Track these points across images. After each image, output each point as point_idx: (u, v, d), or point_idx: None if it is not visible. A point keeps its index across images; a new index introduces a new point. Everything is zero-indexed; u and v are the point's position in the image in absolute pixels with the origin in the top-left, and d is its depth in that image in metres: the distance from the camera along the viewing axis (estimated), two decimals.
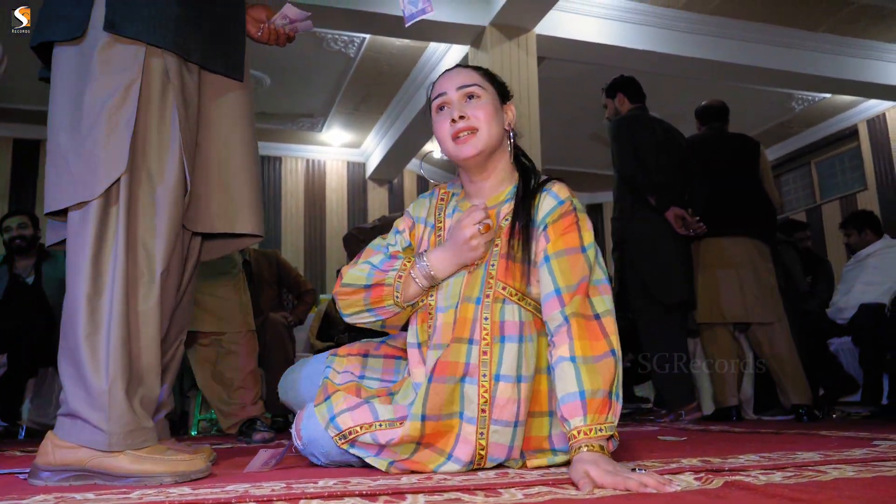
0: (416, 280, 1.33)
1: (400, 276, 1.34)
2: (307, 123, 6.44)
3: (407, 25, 1.55)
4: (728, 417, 3.05)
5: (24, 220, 3.60)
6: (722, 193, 3.18)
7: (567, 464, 1.28)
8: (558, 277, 1.23)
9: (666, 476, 0.99)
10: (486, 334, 1.25)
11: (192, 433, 3.37)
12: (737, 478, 1.02)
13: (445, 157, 1.44)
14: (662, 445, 1.78)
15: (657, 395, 3.63)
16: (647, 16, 4.80)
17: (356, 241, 3.12)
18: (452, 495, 0.93)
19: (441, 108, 1.37)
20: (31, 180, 6.05)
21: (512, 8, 4.17)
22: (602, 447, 1.09)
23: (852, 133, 6.65)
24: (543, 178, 1.37)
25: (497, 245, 1.32)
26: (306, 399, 1.46)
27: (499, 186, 1.39)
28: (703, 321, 3.15)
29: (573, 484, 1.02)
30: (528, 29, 4.42)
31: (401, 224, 1.48)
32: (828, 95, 6.14)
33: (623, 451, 1.50)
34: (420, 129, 5.78)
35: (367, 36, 4.87)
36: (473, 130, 1.32)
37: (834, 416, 3.36)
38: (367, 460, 1.24)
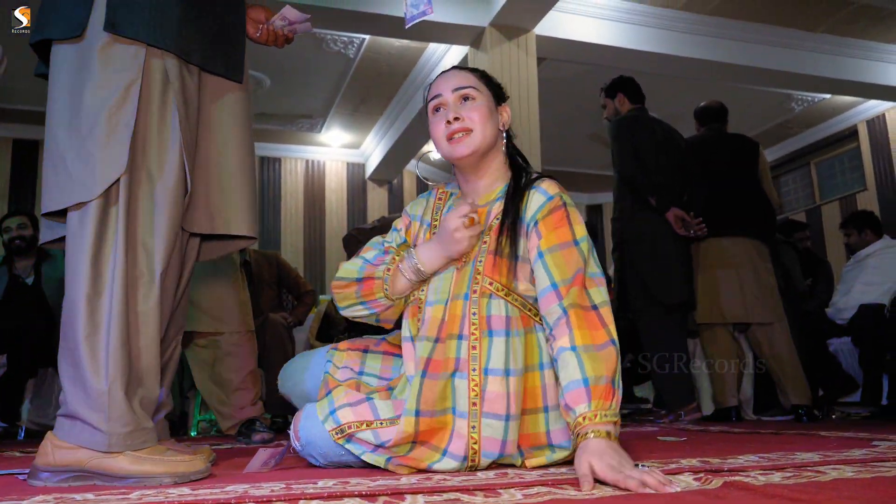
0: (404, 273, 1.37)
1: (388, 270, 1.38)
2: (307, 124, 6.44)
3: (407, 27, 1.57)
4: (728, 418, 3.05)
5: (23, 220, 3.60)
6: (721, 194, 3.18)
7: (566, 463, 1.29)
8: (554, 272, 1.25)
9: (666, 476, 0.99)
10: (475, 329, 1.27)
11: (192, 434, 3.37)
12: (736, 478, 1.02)
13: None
14: (662, 446, 1.78)
15: (657, 395, 3.63)
16: (647, 16, 4.80)
17: (356, 242, 3.12)
18: (452, 495, 0.93)
19: (437, 109, 1.41)
20: (31, 181, 6.05)
21: (511, 8, 4.17)
22: (609, 433, 1.08)
23: (852, 134, 6.65)
24: (534, 175, 1.40)
25: (486, 242, 1.34)
26: (306, 390, 1.48)
27: (492, 185, 1.42)
28: (702, 321, 3.15)
29: (572, 484, 1.02)
30: (528, 29, 4.42)
31: (399, 223, 1.52)
32: (827, 96, 6.14)
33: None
34: (419, 130, 5.78)
35: (367, 37, 4.87)
36: (468, 131, 1.36)
37: (833, 416, 3.36)
38: (364, 457, 1.25)
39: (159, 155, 1.29)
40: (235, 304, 2.47)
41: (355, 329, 3.34)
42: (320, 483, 1.07)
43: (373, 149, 6.83)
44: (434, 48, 5.06)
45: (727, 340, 3.14)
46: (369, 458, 1.25)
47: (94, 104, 1.24)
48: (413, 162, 6.66)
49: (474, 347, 1.26)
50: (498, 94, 1.46)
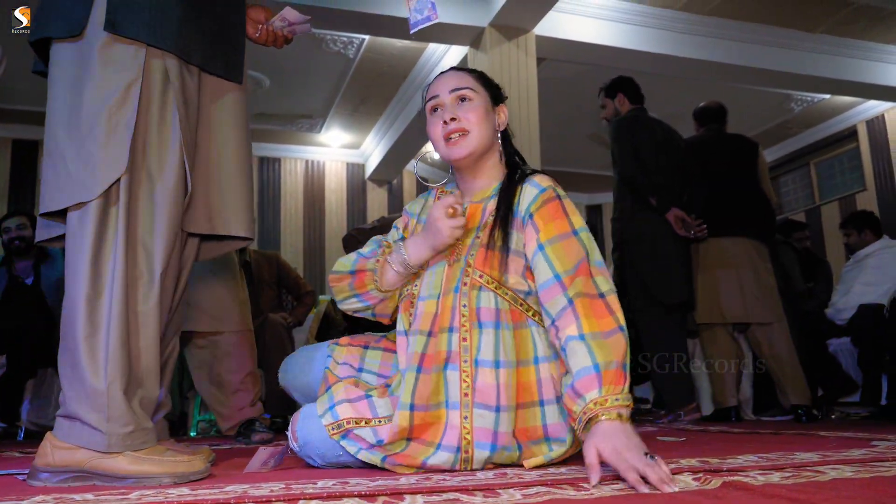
0: (392, 265, 1.39)
1: (378, 262, 1.42)
2: (306, 124, 6.44)
3: (412, 32, 1.58)
4: (727, 418, 3.05)
5: (23, 220, 3.60)
6: (721, 194, 3.18)
7: (565, 462, 1.30)
8: (555, 263, 1.25)
9: (669, 472, 0.99)
10: (465, 321, 1.29)
11: (192, 434, 3.37)
12: (735, 478, 1.03)
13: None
14: (661, 446, 1.78)
15: (656, 395, 3.63)
16: (646, 17, 4.80)
17: (355, 242, 3.12)
18: (451, 496, 0.93)
19: (434, 109, 1.43)
20: (30, 181, 6.05)
21: (511, 9, 4.17)
22: (620, 415, 1.08)
23: (851, 134, 6.65)
24: (528, 171, 1.42)
25: (479, 237, 1.36)
26: (306, 384, 1.50)
27: (488, 184, 1.44)
28: (702, 321, 3.15)
29: (571, 484, 1.02)
30: (528, 30, 4.42)
31: (399, 222, 1.56)
32: (827, 96, 6.14)
33: None
34: (419, 130, 5.78)
35: (367, 37, 4.87)
36: (464, 132, 1.38)
37: (833, 416, 3.36)
38: (359, 455, 1.26)
39: (159, 155, 1.29)
40: (235, 303, 2.46)
41: (355, 329, 3.34)
42: (320, 483, 1.07)
43: (372, 149, 6.83)
44: (434, 48, 5.06)
45: (727, 340, 3.14)
46: (364, 456, 1.26)
47: (93, 103, 1.24)
48: (413, 162, 6.67)
49: (465, 339, 1.28)
50: (496, 95, 1.47)
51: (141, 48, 1.27)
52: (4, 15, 1.88)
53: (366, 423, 1.26)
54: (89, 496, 1.01)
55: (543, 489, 0.98)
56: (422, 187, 7.11)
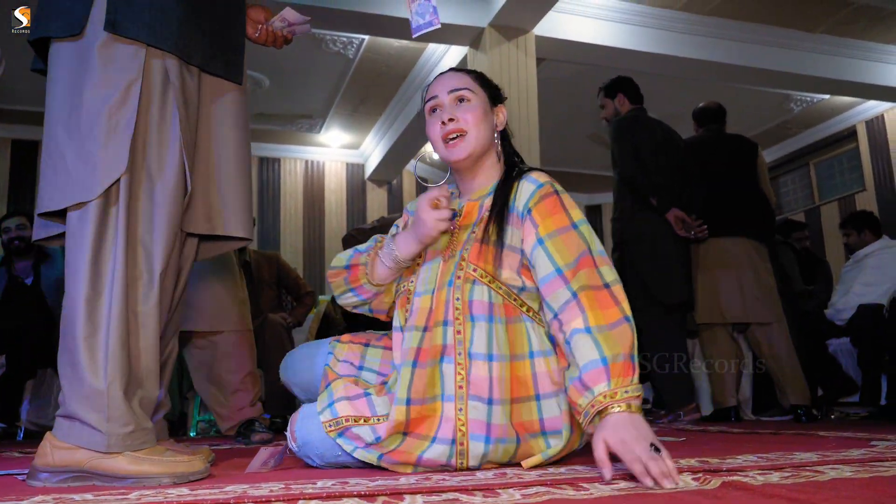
0: (383, 259, 1.42)
1: (369, 255, 1.44)
2: (306, 125, 6.44)
3: (414, 37, 1.60)
4: (727, 418, 3.05)
5: (22, 220, 3.60)
6: (720, 194, 3.18)
7: (564, 461, 1.30)
8: (556, 257, 1.25)
9: (673, 466, 1.00)
10: (459, 314, 1.29)
11: (191, 434, 3.37)
12: (734, 478, 1.03)
13: None
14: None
15: (656, 395, 3.63)
16: (646, 17, 4.80)
17: (355, 242, 3.10)
18: (451, 495, 0.93)
19: (433, 110, 1.44)
20: (30, 181, 6.05)
21: (511, 9, 4.17)
22: (630, 405, 1.08)
23: (851, 134, 6.66)
24: (526, 168, 1.43)
25: (474, 232, 1.36)
26: (307, 380, 1.51)
27: (486, 182, 1.46)
28: (702, 322, 3.15)
29: (571, 484, 1.02)
30: (527, 30, 4.42)
31: (399, 221, 1.58)
32: (826, 96, 6.15)
33: None
34: (419, 131, 5.75)
35: (366, 37, 4.87)
36: (462, 133, 1.39)
37: (832, 416, 3.37)
38: (356, 454, 1.27)
39: (159, 155, 1.29)
40: (234, 303, 2.46)
41: (355, 329, 3.34)
42: (319, 483, 1.07)
43: (372, 149, 6.83)
44: (433, 49, 5.06)
45: (726, 340, 3.14)
46: (361, 454, 1.26)
47: (93, 103, 1.23)
48: (412, 162, 6.67)
49: (459, 332, 1.28)
50: (494, 96, 1.48)
51: (141, 48, 1.27)
52: (4, 15, 1.88)
53: (364, 420, 1.27)
54: (89, 496, 1.01)
55: (543, 489, 0.98)
56: (422, 187, 7.11)
